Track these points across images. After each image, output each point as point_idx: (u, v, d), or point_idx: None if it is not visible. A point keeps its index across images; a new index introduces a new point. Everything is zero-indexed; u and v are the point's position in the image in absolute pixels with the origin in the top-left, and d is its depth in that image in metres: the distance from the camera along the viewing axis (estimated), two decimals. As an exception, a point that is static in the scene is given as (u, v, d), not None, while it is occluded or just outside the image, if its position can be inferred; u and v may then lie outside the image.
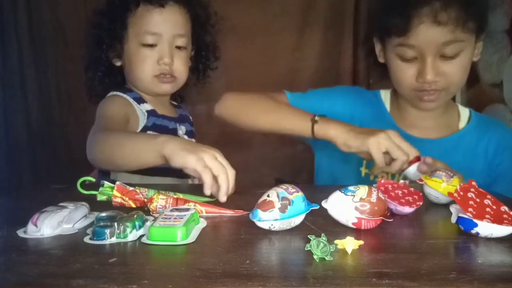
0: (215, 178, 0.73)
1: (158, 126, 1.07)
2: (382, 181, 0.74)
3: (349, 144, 0.91)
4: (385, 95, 1.15)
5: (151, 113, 1.07)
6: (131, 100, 1.06)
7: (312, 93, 1.16)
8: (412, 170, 0.88)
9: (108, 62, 1.09)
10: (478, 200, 0.60)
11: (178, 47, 1.07)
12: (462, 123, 1.11)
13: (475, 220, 0.56)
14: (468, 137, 1.08)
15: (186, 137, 1.12)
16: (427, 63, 0.95)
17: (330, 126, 0.94)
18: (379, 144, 0.88)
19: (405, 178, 0.88)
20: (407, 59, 0.98)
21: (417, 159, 0.88)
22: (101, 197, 0.75)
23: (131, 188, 0.73)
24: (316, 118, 0.96)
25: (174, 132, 1.10)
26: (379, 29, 1.04)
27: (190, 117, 1.22)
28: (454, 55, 0.95)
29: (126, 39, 1.06)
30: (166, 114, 1.11)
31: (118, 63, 1.09)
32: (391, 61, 1.03)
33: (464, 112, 1.13)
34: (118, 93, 1.07)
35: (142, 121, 1.05)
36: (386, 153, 0.89)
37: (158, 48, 1.04)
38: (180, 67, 1.07)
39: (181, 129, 1.13)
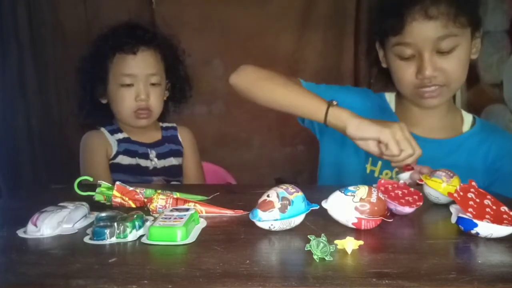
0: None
1: (130, 151, 1.23)
2: (382, 181, 0.73)
3: (362, 128, 0.92)
4: (390, 98, 1.18)
5: (123, 140, 1.25)
6: (105, 132, 1.24)
7: (325, 87, 1.18)
8: (405, 176, 0.91)
9: (96, 100, 1.25)
10: (478, 200, 0.60)
11: (153, 84, 1.23)
12: (466, 127, 1.12)
13: (475, 220, 0.56)
14: (471, 140, 1.09)
15: (156, 160, 1.26)
16: (425, 59, 0.98)
17: (344, 112, 0.95)
18: (394, 135, 0.90)
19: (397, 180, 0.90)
20: (405, 57, 1.01)
21: (411, 168, 0.91)
22: (98, 197, 0.75)
23: (131, 188, 0.73)
24: (334, 103, 0.97)
25: (145, 156, 1.25)
26: (378, 32, 1.07)
27: (179, 137, 1.35)
28: (450, 49, 0.98)
29: (108, 81, 1.22)
30: (139, 140, 1.27)
31: (104, 101, 1.26)
32: (391, 62, 1.05)
33: (468, 117, 1.14)
34: (93, 131, 1.25)
35: (114, 148, 1.22)
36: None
37: (135, 87, 1.21)
38: (155, 102, 1.24)
39: (152, 153, 1.26)
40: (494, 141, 1.09)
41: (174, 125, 1.37)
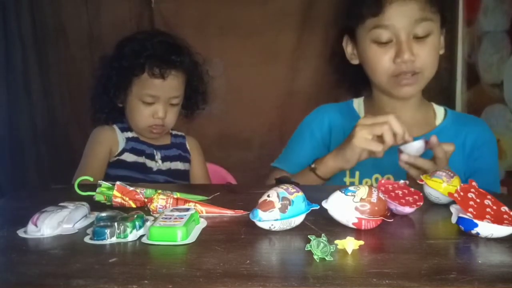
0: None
1: (137, 149, 1.26)
2: (383, 181, 0.73)
3: (348, 160, 0.96)
4: (358, 103, 1.18)
5: (132, 139, 1.27)
6: (117, 129, 1.27)
7: (291, 143, 1.22)
8: (410, 148, 0.92)
9: (112, 102, 1.27)
10: (478, 200, 0.60)
11: (172, 104, 1.26)
12: (438, 120, 1.12)
13: (476, 221, 0.56)
14: (445, 133, 1.08)
15: (160, 161, 1.28)
16: (403, 42, 0.99)
17: (327, 163, 0.99)
18: (364, 140, 0.91)
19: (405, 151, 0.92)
20: (382, 42, 1.01)
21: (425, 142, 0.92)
22: (98, 197, 0.75)
23: (131, 188, 0.73)
24: (313, 166, 1.01)
25: (151, 157, 1.27)
26: (353, 17, 1.07)
27: (187, 145, 1.38)
28: (425, 35, 1.00)
29: (130, 92, 1.24)
30: (148, 141, 1.29)
31: (120, 105, 1.28)
32: (367, 50, 1.05)
33: (439, 110, 1.14)
34: (106, 126, 1.28)
35: (121, 145, 1.25)
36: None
37: (155, 105, 1.23)
38: (171, 120, 1.27)
39: (157, 155, 1.29)
40: (469, 131, 1.09)
41: (183, 134, 1.40)
